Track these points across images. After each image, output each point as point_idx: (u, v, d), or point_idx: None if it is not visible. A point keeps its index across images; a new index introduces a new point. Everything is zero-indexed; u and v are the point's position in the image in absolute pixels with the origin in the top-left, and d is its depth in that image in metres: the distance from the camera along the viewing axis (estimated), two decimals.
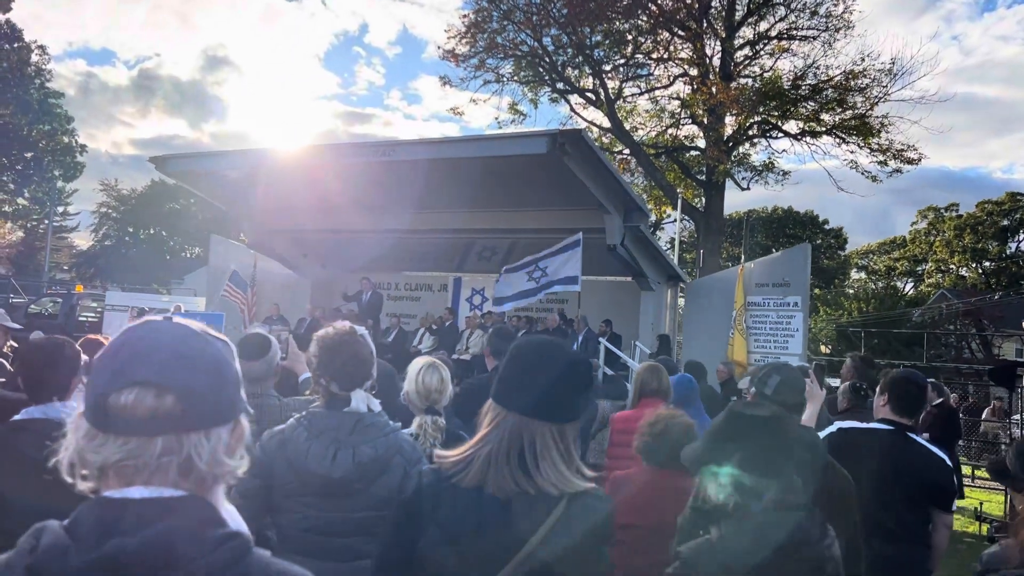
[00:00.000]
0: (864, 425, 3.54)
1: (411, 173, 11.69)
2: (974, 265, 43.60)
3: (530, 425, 1.66)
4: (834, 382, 7.80)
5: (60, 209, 46.32)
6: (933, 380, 9.22)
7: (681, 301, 14.97)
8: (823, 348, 31.83)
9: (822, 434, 3.65)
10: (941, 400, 8.61)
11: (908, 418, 3.46)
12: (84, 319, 17.28)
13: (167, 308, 14.15)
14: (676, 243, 23.18)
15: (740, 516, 1.85)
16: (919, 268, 46.68)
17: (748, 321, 12.34)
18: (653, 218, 36.44)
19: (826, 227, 47.21)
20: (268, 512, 2.47)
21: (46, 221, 40.92)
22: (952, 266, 44.54)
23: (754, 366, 9.08)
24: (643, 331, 13.05)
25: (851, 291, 43.04)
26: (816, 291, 41.92)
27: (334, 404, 2.49)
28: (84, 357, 5.36)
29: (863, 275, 50.25)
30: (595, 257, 11.94)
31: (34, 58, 36.40)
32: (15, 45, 34.80)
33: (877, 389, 3.67)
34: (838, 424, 3.61)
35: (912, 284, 47.44)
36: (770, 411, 1.94)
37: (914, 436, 3.38)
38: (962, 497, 7.99)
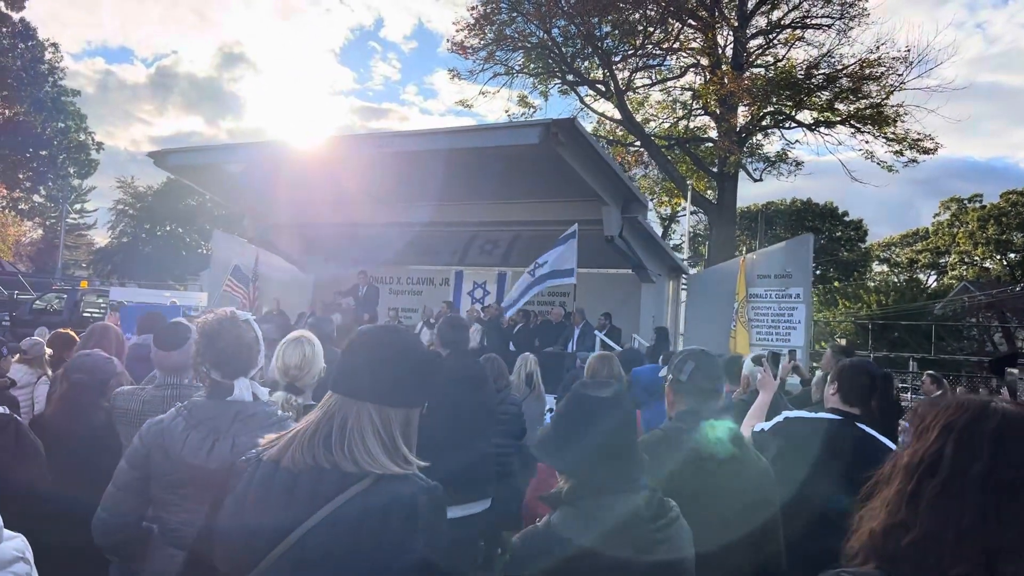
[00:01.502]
0: (811, 415, 3.38)
1: (410, 166, 11.61)
2: (998, 257, 42.77)
3: (348, 404, 1.62)
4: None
5: (78, 206, 46.86)
6: (932, 372, 8.98)
7: (684, 294, 14.75)
8: (839, 341, 31.32)
9: (768, 424, 3.48)
10: (940, 392, 8.37)
11: (857, 407, 3.29)
12: (88, 315, 17.39)
13: (164, 303, 14.21)
14: (685, 235, 22.91)
15: (571, 500, 1.79)
16: (942, 260, 45.93)
17: (750, 313, 12.12)
18: (668, 211, 36.25)
19: (846, 219, 46.59)
20: (149, 504, 2.38)
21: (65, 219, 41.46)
22: (976, 258, 43.76)
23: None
24: (644, 324, 12.87)
25: (872, 284, 42.40)
26: (835, 284, 41.41)
27: (216, 393, 2.39)
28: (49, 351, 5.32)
29: (885, 267, 49.58)
30: (595, 249, 11.78)
31: (48, 56, 36.81)
32: (29, 44, 35.19)
33: (828, 378, 3.50)
34: (785, 414, 3.44)
35: (935, 276, 46.71)
36: (612, 392, 1.83)
37: (862, 426, 3.20)
38: None
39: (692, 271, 17.51)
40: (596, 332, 11.79)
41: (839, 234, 46.42)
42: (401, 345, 1.71)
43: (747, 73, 23.71)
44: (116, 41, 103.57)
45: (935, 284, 44.74)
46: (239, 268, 14.75)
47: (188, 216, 47.89)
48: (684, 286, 14.49)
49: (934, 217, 47.67)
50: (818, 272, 45.49)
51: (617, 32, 24.53)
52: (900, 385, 17.06)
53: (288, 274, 15.87)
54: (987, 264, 42.55)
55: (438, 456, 4.06)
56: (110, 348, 3.89)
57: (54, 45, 37.51)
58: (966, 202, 45.35)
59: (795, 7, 24.14)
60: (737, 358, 4.73)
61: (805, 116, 24.49)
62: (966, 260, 44.22)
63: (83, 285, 19.34)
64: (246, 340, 2.44)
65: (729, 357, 4.94)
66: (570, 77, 25.77)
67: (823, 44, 23.77)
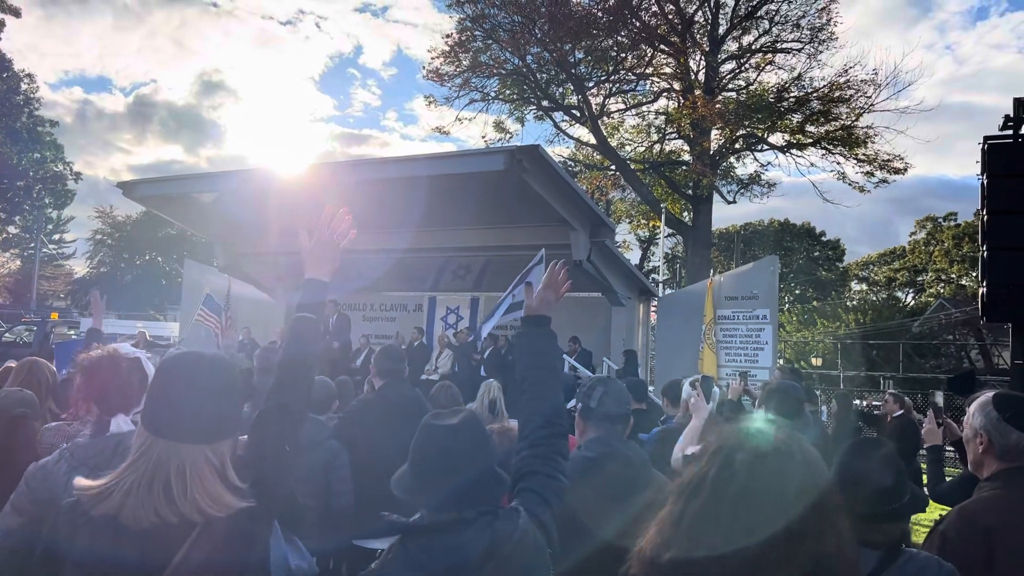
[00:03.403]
0: None
1: (381, 193, 11.66)
2: (974, 274, 43.25)
3: (179, 449, 1.57)
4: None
5: (56, 237, 46.57)
6: (894, 391, 9.08)
7: (655, 316, 14.83)
8: (815, 360, 31.51)
9: (701, 447, 3.52)
10: (901, 412, 8.44)
11: None
12: None
13: (133, 335, 14.13)
14: (660, 256, 23.07)
15: (406, 537, 1.80)
16: (919, 278, 46.38)
17: (718, 335, 12.20)
18: (647, 233, 36.49)
19: (823, 239, 47.06)
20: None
21: (41, 249, 41.15)
22: (952, 276, 44.22)
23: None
24: (615, 347, 12.93)
25: (851, 303, 42.72)
26: (814, 303, 41.67)
27: (97, 430, 2.38)
28: None
29: (864, 286, 50.00)
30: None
31: (23, 87, 36.76)
32: (3, 75, 35.15)
33: (757, 402, 3.56)
34: None
35: (913, 294, 47.13)
36: (460, 419, 1.84)
37: None
38: (923, 510, 7.79)
39: (669, 292, 17.62)
40: (565, 356, 11.82)
41: (817, 254, 46.87)
42: (217, 375, 1.67)
43: (719, 97, 24.05)
44: (94, 70, 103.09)
45: (913, 302, 45.11)
46: (211, 297, 14.72)
47: (168, 245, 47.65)
48: (654, 309, 14.58)
49: (910, 236, 48.22)
50: (797, 292, 45.83)
51: (590, 58, 24.85)
52: (875, 403, 17.12)
53: (260, 303, 15.83)
54: (963, 281, 42.97)
55: (370, 486, 4.07)
56: (40, 384, 3.86)
57: (29, 76, 37.59)
58: (941, 220, 45.91)
59: (765, 32, 24.59)
60: (676, 382, 4.79)
61: (777, 138, 24.84)
62: (943, 278, 44.67)
63: (53, 317, 19.21)
64: (124, 378, 2.41)
65: (669, 382, 5.01)
66: (545, 103, 26.04)
67: (793, 68, 24.27)
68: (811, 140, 24.10)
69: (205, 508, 1.54)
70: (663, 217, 21.71)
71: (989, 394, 2.52)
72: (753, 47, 24.90)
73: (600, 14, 23.69)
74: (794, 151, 24.67)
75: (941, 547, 2.27)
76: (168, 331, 15.30)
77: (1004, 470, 2.39)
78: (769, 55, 24.61)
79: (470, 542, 1.72)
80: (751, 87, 24.83)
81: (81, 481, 1.63)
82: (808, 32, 23.94)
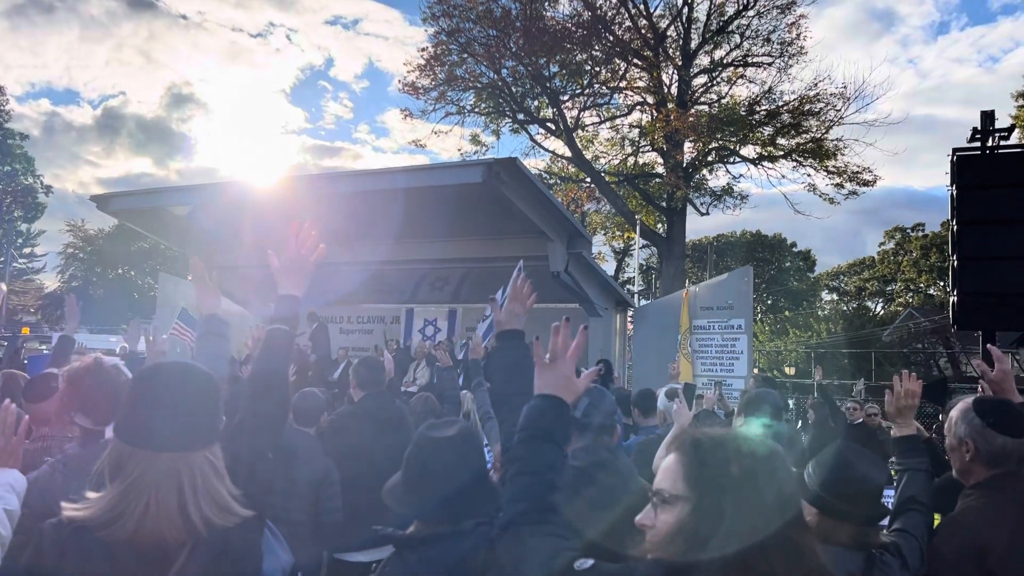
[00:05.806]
0: None
1: (359, 205, 11.66)
2: (941, 284, 43.98)
3: (187, 459, 1.50)
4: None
5: (27, 250, 45.87)
6: (856, 399, 9.23)
7: (632, 327, 14.94)
8: (788, 370, 31.84)
9: None
10: (863, 419, 8.59)
11: None
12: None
13: (113, 348, 13.98)
14: (636, 267, 23.21)
15: (401, 548, 1.81)
16: (888, 288, 47.04)
17: (694, 344, 12.33)
18: (621, 245, 36.72)
19: (795, 250, 47.62)
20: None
21: (11, 263, 40.50)
22: (921, 285, 44.92)
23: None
24: (592, 357, 12.99)
25: (822, 313, 43.23)
26: (786, 313, 42.10)
27: (88, 440, 2.35)
28: None
29: (835, 296, 50.63)
30: (542, 284, 11.81)
31: None
32: None
33: (736, 410, 3.63)
34: None
35: (882, 304, 47.79)
36: (456, 430, 1.88)
37: None
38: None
39: (645, 303, 17.75)
40: None
41: (788, 264, 47.39)
42: (195, 377, 1.62)
43: (692, 110, 24.33)
44: (61, 82, 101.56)
45: (882, 311, 45.72)
46: (186, 311, 14.57)
47: (140, 259, 47.03)
48: (631, 319, 14.69)
49: (879, 246, 48.91)
50: (769, 302, 46.28)
51: (565, 72, 25.05)
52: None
53: (234, 315, 15.70)
54: (931, 291, 43.64)
55: (352, 498, 4.08)
56: (16, 396, 3.85)
57: None
58: (909, 231, 46.63)
59: (736, 46, 24.95)
60: (647, 392, 4.85)
61: (749, 151, 25.17)
62: (911, 287, 45.33)
63: (24, 332, 18.90)
64: (110, 386, 2.39)
65: (640, 391, 5.07)
66: (520, 116, 26.17)
67: (764, 81, 24.63)
68: (782, 152, 24.46)
69: (212, 518, 1.49)
70: (638, 229, 21.88)
71: (968, 400, 2.47)
72: (724, 61, 25.26)
73: (574, 28, 23.93)
74: (765, 163, 25.00)
75: (932, 561, 2.24)
76: (144, 346, 15.07)
77: (992, 476, 2.36)
78: (740, 69, 24.99)
79: (468, 553, 1.73)
80: (723, 100, 25.16)
81: (73, 512, 1.50)
82: (778, 46, 24.35)
